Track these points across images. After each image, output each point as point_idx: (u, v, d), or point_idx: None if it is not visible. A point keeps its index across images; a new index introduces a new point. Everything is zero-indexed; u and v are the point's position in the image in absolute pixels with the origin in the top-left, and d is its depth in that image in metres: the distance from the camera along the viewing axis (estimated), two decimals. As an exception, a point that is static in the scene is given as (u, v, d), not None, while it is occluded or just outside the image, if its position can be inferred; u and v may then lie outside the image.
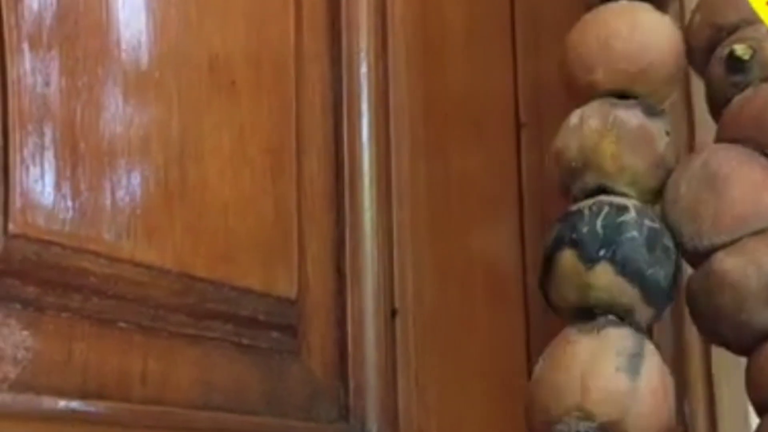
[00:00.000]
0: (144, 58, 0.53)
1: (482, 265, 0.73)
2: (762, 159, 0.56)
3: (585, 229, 0.55)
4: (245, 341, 0.57)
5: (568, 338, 0.55)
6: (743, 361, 0.61)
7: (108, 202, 0.50)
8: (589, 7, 0.64)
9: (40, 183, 0.48)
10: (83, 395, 0.49)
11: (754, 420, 0.61)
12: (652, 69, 0.60)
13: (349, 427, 0.62)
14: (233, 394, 0.56)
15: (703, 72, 0.62)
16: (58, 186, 0.48)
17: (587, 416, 0.52)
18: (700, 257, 0.56)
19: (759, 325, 0.55)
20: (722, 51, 0.59)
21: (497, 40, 0.79)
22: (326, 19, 0.67)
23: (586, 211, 0.56)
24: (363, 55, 0.68)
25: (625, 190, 0.58)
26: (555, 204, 0.78)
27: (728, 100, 0.58)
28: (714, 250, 0.56)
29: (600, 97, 0.61)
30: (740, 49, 0.58)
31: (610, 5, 0.62)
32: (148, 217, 0.52)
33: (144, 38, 0.53)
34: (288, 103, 0.62)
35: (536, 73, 0.80)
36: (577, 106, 0.62)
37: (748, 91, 0.57)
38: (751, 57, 0.57)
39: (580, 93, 0.62)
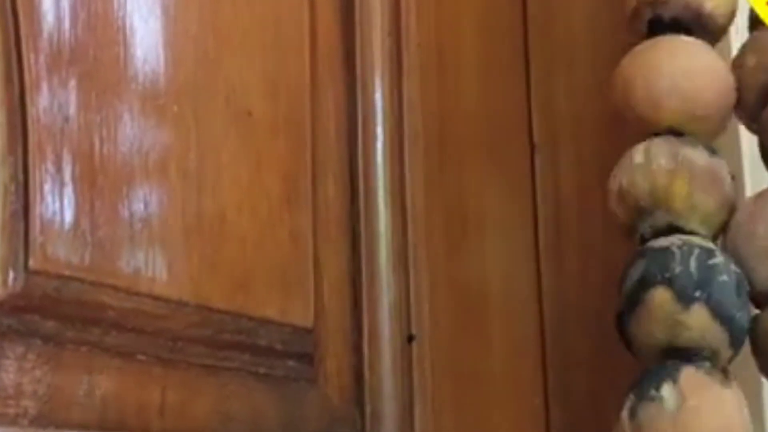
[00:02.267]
0: (162, 92, 0.53)
1: (497, 288, 0.73)
2: None
3: (678, 270, 0.55)
4: (262, 370, 0.57)
5: (706, 385, 0.54)
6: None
7: (127, 235, 0.51)
8: (635, 35, 0.64)
9: (60, 218, 0.48)
10: (103, 428, 0.49)
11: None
12: (715, 111, 0.60)
13: (366, 453, 0.63)
14: (251, 423, 0.56)
15: (750, 115, 0.62)
16: (77, 221, 0.49)
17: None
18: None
19: None
20: None
21: (511, 62, 0.79)
22: (341, 45, 0.67)
23: (677, 251, 0.56)
24: (377, 80, 0.68)
25: (696, 228, 0.58)
26: (572, 227, 0.79)
27: None
28: None
29: (658, 134, 0.61)
30: None
31: (666, 39, 0.62)
32: (166, 249, 0.52)
33: (162, 72, 0.54)
34: (303, 130, 0.62)
35: (549, 96, 0.80)
36: (631, 139, 0.62)
37: None
38: None
39: (638, 126, 0.62)
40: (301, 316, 0.60)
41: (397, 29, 0.70)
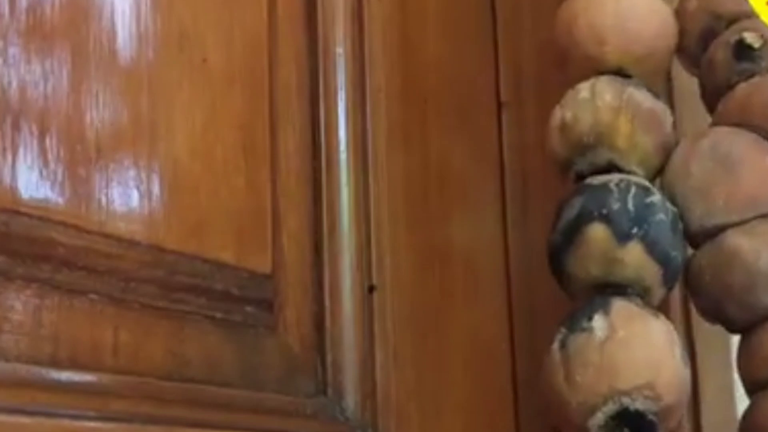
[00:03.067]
0: (112, 38, 0.54)
1: (462, 239, 0.74)
2: None
3: (616, 206, 0.56)
4: (219, 315, 0.58)
5: (636, 316, 0.55)
6: (729, 341, 0.62)
7: (78, 174, 0.51)
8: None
9: (9, 156, 0.49)
10: (54, 364, 0.49)
11: (740, 398, 0.62)
12: (658, 53, 0.61)
13: (326, 402, 0.63)
14: (208, 368, 0.57)
15: (691, 57, 0.63)
16: (26, 158, 0.49)
17: (656, 397, 0.53)
18: (705, 236, 0.58)
19: (764, 306, 0.57)
20: (729, 37, 0.60)
21: (476, 19, 0.80)
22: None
23: (614, 188, 0.57)
24: (339, 32, 0.68)
25: (635, 168, 0.59)
26: (538, 184, 0.79)
27: (730, 87, 0.59)
28: (723, 229, 0.57)
29: (603, 74, 0.61)
30: (751, 37, 0.59)
31: None
32: (117, 190, 0.53)
33: (110, 18, 0.54)
34: (261, 80, 0.63)
35: (517, 52, 0.81)
36: (572, 78, 0.63)
37: (756, 79, 0.59)
38: (762, 46, 0.59)
39: (582, 65, 0.62)
40: (259, 262, 0.60)
41: (358, -17, 0.70)
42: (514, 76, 0.80)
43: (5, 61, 0.49)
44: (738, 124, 0.60)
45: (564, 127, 0.60)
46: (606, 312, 0.54)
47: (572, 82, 0.63)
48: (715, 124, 0.61)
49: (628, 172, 0.59)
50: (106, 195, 0.52)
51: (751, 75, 0.60)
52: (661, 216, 0.56)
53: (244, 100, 0.61)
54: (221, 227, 0.58)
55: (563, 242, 0.57)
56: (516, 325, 0.76)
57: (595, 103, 0.59)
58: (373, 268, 0.67)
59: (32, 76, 0.50)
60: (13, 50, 0.49)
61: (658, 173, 0.61)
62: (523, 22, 0.81)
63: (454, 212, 0.74)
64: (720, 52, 0.61)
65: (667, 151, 0.60)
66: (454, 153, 0.76)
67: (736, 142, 0.59)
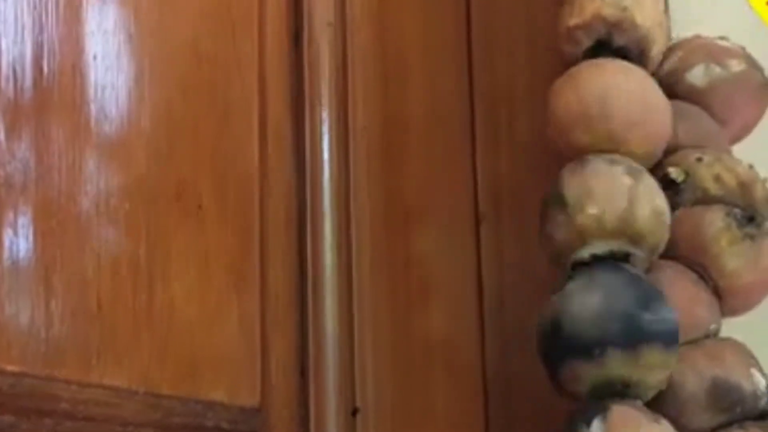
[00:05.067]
0: (114, 192, 0.56)
1: (441, 360, 0.77)
2: (693, 275, 0.61)
3: None
4: (210, 449, 0.60)
5: (635, 422, 0.58)
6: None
7: (79, 331, 0.54)
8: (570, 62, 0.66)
9: (16, 320, 0.51)
10: None
11: None
12: (655, 139, 0.64)
13: None
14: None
15: None
16: (33, 321, 0.52)
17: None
18: None
19: (697, 428, 0.60)
20: (658, 172, 0.63)
21: (457, 136, 0.83)
22: (290, 130, 0.70)
23: None
24: (326, 165, 0.71)
25: None
26: (514, 293, 0.82)
27: None
28: None
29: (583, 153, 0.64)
30: (674, 172, 0.62)
31: (618, 62, 0.64)
32: (116, 342, 0.55)
33: (114, 171, 0.57)
34: (252, 218, 0.66)
35: (495, 167, 0.84)
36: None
37: (681, 211, 0.62)
38: (684, 180, 0.62)
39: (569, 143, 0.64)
40: (249, 396, 0.63)
41: (344, 113, 0.73)
42: (493, 191, 0.83)
43: (12, 224, 0.51)
44: (670, 257, 0.63)
45: None
46: (604, 417, 0.57)
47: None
48: None
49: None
50: (106, 348, 0.55)
51: (676, 207, 0.63)
52: None
53: (237, 238, 0.64)
54: (214, 366, 0.61)
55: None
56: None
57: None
58: (357, 391, 0.70)
59: (37, 239, 0.53)
60: (22, 220, 0.52)
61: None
62: (501, 135, 0.84)
63: (435, 328, 0.77)
64: None
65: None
66: (434, 267, 0.78)
67: (662, 276, 0.62)
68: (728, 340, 0.63)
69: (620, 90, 0.62)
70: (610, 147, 0.62)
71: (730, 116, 0.67)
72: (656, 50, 0.65)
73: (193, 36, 0.63)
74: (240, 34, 0.66)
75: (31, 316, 0.52)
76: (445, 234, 0.80)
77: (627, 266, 0.60)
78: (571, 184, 0.61)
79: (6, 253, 0.52)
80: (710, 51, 0.67)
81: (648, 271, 0.62)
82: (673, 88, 0.66)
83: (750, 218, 0.62)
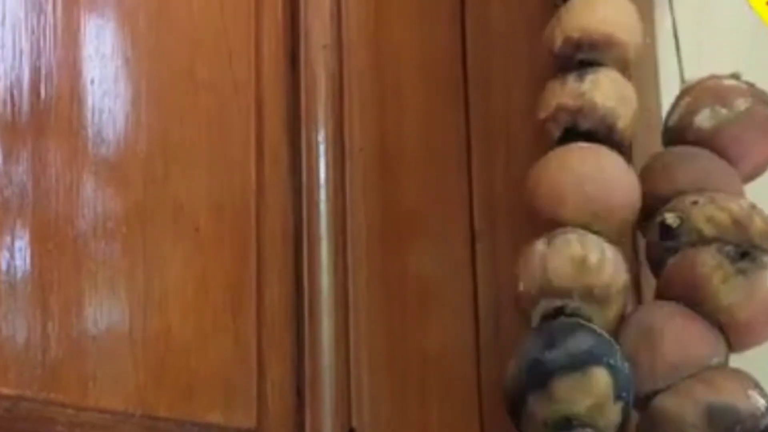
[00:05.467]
0: (111, 215, 0.57)
1: (438, 377, 0.77)
2: (690, 312, 0.62)
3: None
4: (206, 470, 0.61)
5: None
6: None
7: (76, 353, 0.54)
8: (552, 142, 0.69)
9: (12, 343, 0.51)
10: None
11: None
12: (615, 211, 0.66)
13: None
14: None
15: (644, 234, 0.68)
16: (29, 343, 0.52)
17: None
18: (641, 403, 0.63)
19: None
20: (657, 219, 0.65)
21: (453, 155, 0.83)
22: (287, 152, 0.71)
23: None
24: (322, 185, 0.72)
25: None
26: (510, 310, 0.82)
27: (664, 262, 0.64)
28: (654, 395, 0.63)
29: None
30: (670, 218, 0.65)
31: (593, 147, 0.68)
32: (113, 364, 0.56)
33: (112, 194, 0.57)
34: (249, 239, 0.66)
35: (490, 185, 0.84)
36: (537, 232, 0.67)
37: (678, 255, 0.63)
38: (679, 225, 0.64)
39: (545, 223, 0.67)
40: (245, 417, 0.63)
41: (341, 135, 0.73)
42: (488, 209, 0.83)
43: (11, 259, 0.52)
44: (670, 297, 0.65)
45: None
46: None
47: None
48: (657, 296, 0.67)
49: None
50: (103, 370, 0.55)
51: (676, 251, 0.65)
52: None
53: (233, 260, 0.64)
54: (210, 388, 0.61)
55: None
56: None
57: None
58: (353, 411, 0.70)
59: (33, 262, 0.53)
60: (19, 242, 0.52)
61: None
62: (497, 155, 0.84)
63: (431, 348, 0.77)
64: (652, 232, 0.67)
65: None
66: (430, 289, 0.79)
67: (658, 314, 0.64)
68: (726, 368, 0.64)
69: (574, 174, 0.67)
70: (575, 223, 0.66)
71: (742, 155, 0.69)
72: (622, 123, 0.69)
73: (189, 59, 0.64)
74: (236, 57, 0.67)
75: (28, 338, 0.52)
76: (441, 252, 0.81)
77: (564, 319, 0.63)
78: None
79: (3, 276, 0.53)
80: (717, 93, 0.69)
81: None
82: (683, 134, 0.69)
83: (743, 253, 0.64)
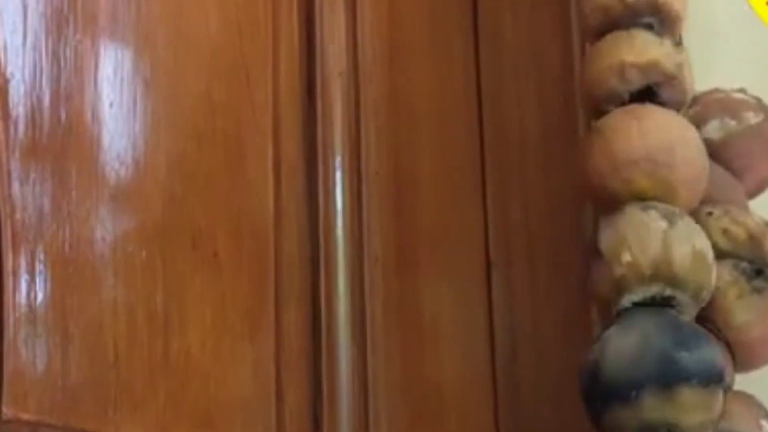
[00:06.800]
0: (131, 239, 0.56)
1: (455, 407, 0.76)
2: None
3: None
4: (224, 498, 0.60)
5: None
6: None
7: (95, 379, 0.53)
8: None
9: (33, 369, 0.51)
10: None
11: None
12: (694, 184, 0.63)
13: None
14: None
15: None
16: (49, 369, 0.51)
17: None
18: None
19: None
20: None
21: (468, 183, 0.83)
22: (304, 177, 0.70)
23: None
24: (338, 210, 0.71)
25: None
26: (526, 340, 0.82)
27: None
28: None
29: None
30: None
31: (639, 107, 0.63)
32: (132, 390, 0.55)
33: (131, 219, 0.57)
34: (267, 264, 0.65)
35: (505, 213, 0.84)
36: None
37: None
38: None
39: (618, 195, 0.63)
40: (263, 444, 0.62)
41: (357, 160, 0.73)
42: (503, 238, 0.83)
43: (29, 273, 0.51)
44: None
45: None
46: None
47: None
48: None
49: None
50: (122, 396, 0.54)
51: None
52: None
53: (252, 285, 0.64)
54: (228, 414, 0.60)
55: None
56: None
57: None
58: (371, 438, 0.69)
59: (53, 287, 0.52)
60: (39, 267, 0.52)
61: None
62: (512, 182, 0.84)
63: (447, 376, 0.76)
64: None
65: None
66: (446, 315, 0.78)
67: None
68: (738, 394, 0.63)
69: (689, 144, 0.62)
70: (663, 196, 0.62)
71: (747, 169, 0.67)
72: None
73: (207, 83, 0.63)
74: (254, 82, 0.66)
75: (48, 364, 0.52)
76: (457, 279, 0.80)
77: (668, 310, 0.59)
78: (606, 235, 0.61)
79: (23, 300, 0.52)
80: (726, 105, 0.68)
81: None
82: None
83: (758, 271, 0.62)
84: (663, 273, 0.59)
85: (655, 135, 0.62)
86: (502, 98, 0.83)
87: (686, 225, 0.61)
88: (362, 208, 0.73)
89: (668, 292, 0.59)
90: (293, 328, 0.67)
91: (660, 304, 0.59)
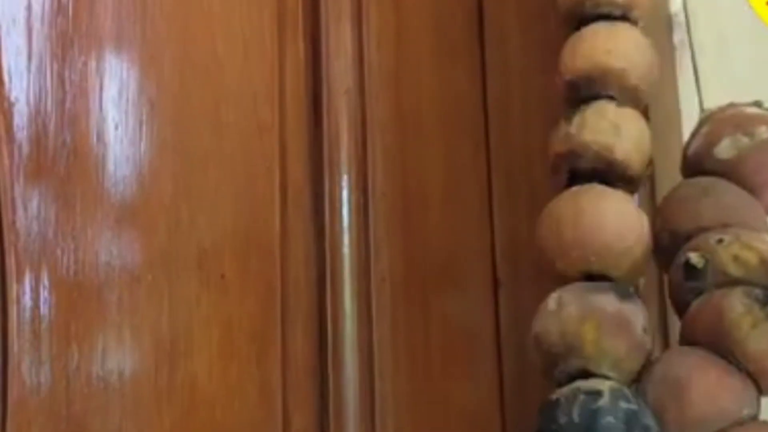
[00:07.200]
0: (137, 263, 0.56)
1: (463, 427, 0.75)
2: (719, 360, 0.60)
3: (563, 420, 0.57)
4: None
5: None
6: None
7: (100, 406, 0.53)
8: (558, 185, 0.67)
9: (36, 396, 0.50)
10: None
11: None
12: (625, 255, 0.63)
13: None
14: None
15: (666, 272, 0.65)
16: (53, 396, 0.51)
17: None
18: None
19: None
20: (680, 258, 0.62)
21: (475, 201, 0.82)
22: (310, 197, 0.70)
23: (563, 401, 0.58)
24: (345, 229, 0.71)
25: (607, 372, 0.61)
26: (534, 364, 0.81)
27: (688, 304, 0.61)
28: None
29: (574, 279, 0.64)
30: (694, 258, 0.62)
31: (583, 189, 0.65)
32: (138, 417, 0.54)
33: (136, 241, 0.56)
34: (274, 286, 0.65)
35: (513, 232, 0.83)
36: (552, 284, 0.65)
37: (703, 297, 0.61)
38: (705, 265, 0.61)
39: (555, 272, 0.65)
40: (270, 470, 0.62)
41: (363, 179, 0.72)
42: (511, 256, 0.82)
43: (34, 307, 0.50)
44: (695, 342, 0.63)
45: (536, 339, 0.62)
46: None
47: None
48: (681, 340, 0.64)
49: (602, 377, 0.61)
50: (127, 424, 0.54)
51: (700, 292, 0.62)
52: (608, 419, 0.57)
53: (258, 307, 0.63)
54: (235, 441, 0.60)
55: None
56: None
57: (560, 314, 0.61)
58: (378, 462, 0.69)
59: (57, 312, 0.52)
60: (43, 291, 0.51)
61: (635, 374, 0.63)
62: (519, 201, 0.83)
63: (455, 398, 0.76)
64: (675, 272, 0.64)
65: (642, 351, 0.62)
66: (454, 336, 0.77)
67: (684, 364, 0.61)
68: (759, 423, 0.61)
69: (592, 216, 0.63)
70: (589, 270, 0.62)
71: (764, 183, 0.66)
72: (621, 154, 0.65)
73: (213, 104, 0.63)
74: (261, 100, 0.66)
75: (52, 390, 0.51)
76: (465, 299, 0.80)
77: None
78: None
79: (26, 325, 0.51)
80: (737, 122, 0.67)
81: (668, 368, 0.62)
82: (702, 164, 0.66)
83: None
84: None
85: (543, 236, 0.64)
86: (509, 114, 0.82)
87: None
88: (369, 227, 0.72)
89: None
90: (300, 349, 0.67)
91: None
